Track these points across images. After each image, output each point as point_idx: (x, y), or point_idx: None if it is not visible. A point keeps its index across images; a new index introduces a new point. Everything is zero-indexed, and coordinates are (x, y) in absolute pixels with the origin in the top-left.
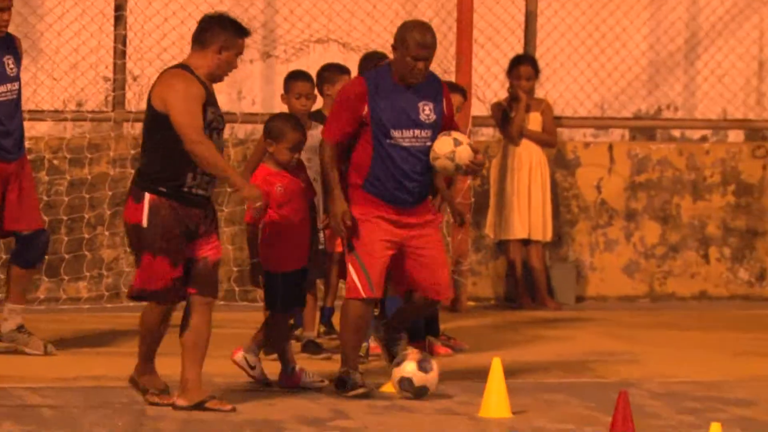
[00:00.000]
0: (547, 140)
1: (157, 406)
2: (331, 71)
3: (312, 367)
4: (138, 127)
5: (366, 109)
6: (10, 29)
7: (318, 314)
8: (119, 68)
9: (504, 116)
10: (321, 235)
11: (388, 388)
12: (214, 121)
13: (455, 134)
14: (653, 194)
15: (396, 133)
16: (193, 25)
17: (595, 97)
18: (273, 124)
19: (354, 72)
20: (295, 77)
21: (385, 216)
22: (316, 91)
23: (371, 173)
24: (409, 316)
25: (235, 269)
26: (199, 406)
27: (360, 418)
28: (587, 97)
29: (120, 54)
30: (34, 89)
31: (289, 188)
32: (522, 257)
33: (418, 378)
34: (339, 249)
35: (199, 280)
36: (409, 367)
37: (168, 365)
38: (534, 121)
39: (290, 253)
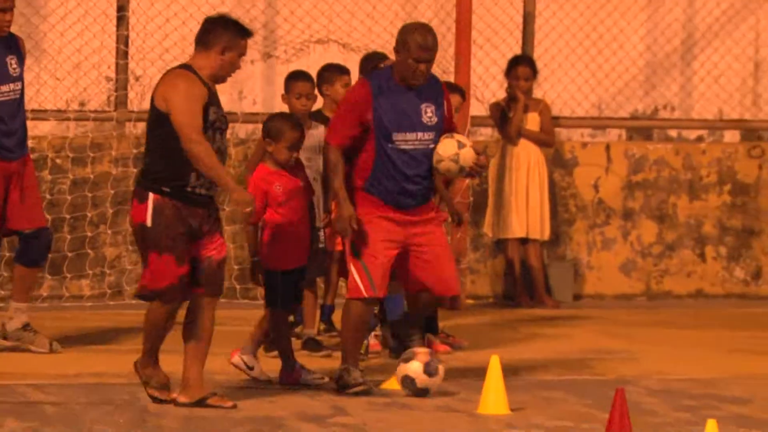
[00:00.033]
0: (545, 140)
1: (157, 402)
2: (330, 71)
3: (312, 364)
4: (140, 127)
5: (370, 113)
6: (14, 30)
7: (318, 312)
8: (121, 68)
9: (502, 116)
10: (321, 233)
11: (389, 384)
12: (217, 121)
13: (458, 137)
14: (650, 194)
15: (399, 136)
16: (194, 26)
17: (592, 98)
18: (271, 124)
19: (354, 72)
20: (296, 77)
21: (387, 216)
22: (316, 92)
23: (373, 176)
24: (420, 313)
25: (236, 267)
26: (201, 403)
27: (359, 415)
28: (585, 97)
29: (122, 54)
30: (37, 89)
31: (288, 187)
32: (520, 256)
33: (421, 380)
34: (339, 248)
35: (205, 280)
36: (414, 367)
37: (170, 362)
38: (532, 121)
39: (290, 252)
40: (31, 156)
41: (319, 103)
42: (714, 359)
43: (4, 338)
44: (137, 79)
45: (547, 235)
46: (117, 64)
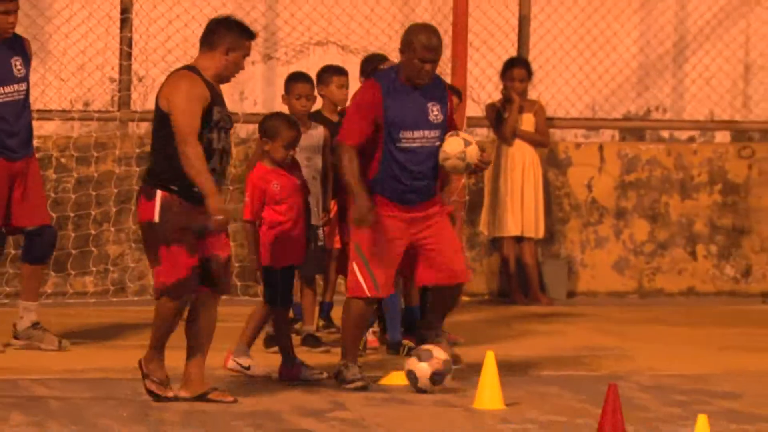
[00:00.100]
0: (539, 140)
1: (154, 397)
2: (326, 73)
3: (311, 360)
4: (143, 127)
5: (381, 112)
6: (19, 31)
7: (317, 309)
8: (125, 69)
9: (498, 117)
10: (320, 231)
11: (387, 380)
12: (221, 120)
13: (463, 134)
14: (642, 193)
15: (407, 134)
16: (196, 29)
17: (586, 99)
18: (268, 124)
19: (354, 73)
20: (296, 79)
21: (393, 215)
22: (316, 93)
23: (380, 175)
24: (440, 309)
25: (236, 265)
26: (202, 398)
27: (358, 409)
28: (579, 98)
29: (126, 56)
30: (42, 89)
31: (285, 186)
32: (515, 254)
33: (423, 383)
34: (337, 245)
35: (211, 278)
36: (423, 368)
37: (172, 358)
38: (527, 122)
39: (289, 249)
40: (36, 155)
41: (318, 104)
42: (705, 356)
43: (16, 338)
44: (140, 79)
45: (541, 233)
46: (120, 65)
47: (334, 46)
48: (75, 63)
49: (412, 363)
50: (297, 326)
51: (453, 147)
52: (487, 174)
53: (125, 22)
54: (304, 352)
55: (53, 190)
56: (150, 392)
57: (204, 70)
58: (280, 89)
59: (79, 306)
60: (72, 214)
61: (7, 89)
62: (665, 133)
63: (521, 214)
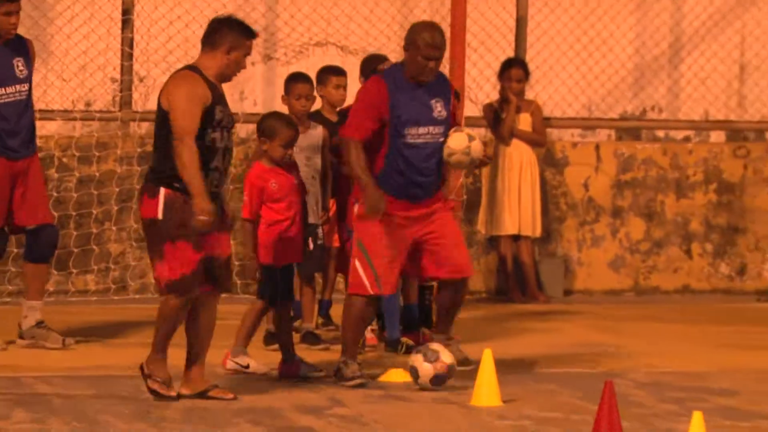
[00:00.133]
0: (536, 140)
1: (157, 396)
2: (323, 73)
3: (310, 357)
4: (144, 127)
5: (387, 108)
6: (22, 32)
7: (316, 307)
8: (126, 70)
9: (495, 117)
10: (319, 230)
11: (385, 377)
12: (223, 119)
13: (467, 130)
14: (638, 192)
15: (412, 130)
16: (197, 29)
17: (582, 99)
18: (265, 123)
19: (354, 74)
20: (295, 79)
21: (397, 213)
22: (315, 93)
23: (385, 171)
24: (450, 310)
25: (236, 263)
26: (203, 395)
27: (356, 406)
28: (575, 98)
29: (127, 56)
30: (44, 90)
31: (283, 185)
32: (512, 252)
33: (423, 382)
34: (336, 244)
35: (213, 277)
36: (426, 368)
37: (172, 356)
38: (524, 122)
39: (287, 248)
40: (39, 155)
41: (318, 104)
42: (700, 353)
43: (21, 337)
44: (141, 80)
45: (538, 232)
46: (122, 65)
47: (334, 47)
48: (77, 63)
49: (418, 360)
50: (296, 324)
51: (457, 143)
52: (485, 173)
53: (126, 23)
54: (304, 350)
55: (55, 190)
56: (153, 392)
57: (206, 69)
58: (280, 89)
59: (81, 304)
60: (74, 213)
61: (9, 89)
62: (661, 133)
63: (518, 213)
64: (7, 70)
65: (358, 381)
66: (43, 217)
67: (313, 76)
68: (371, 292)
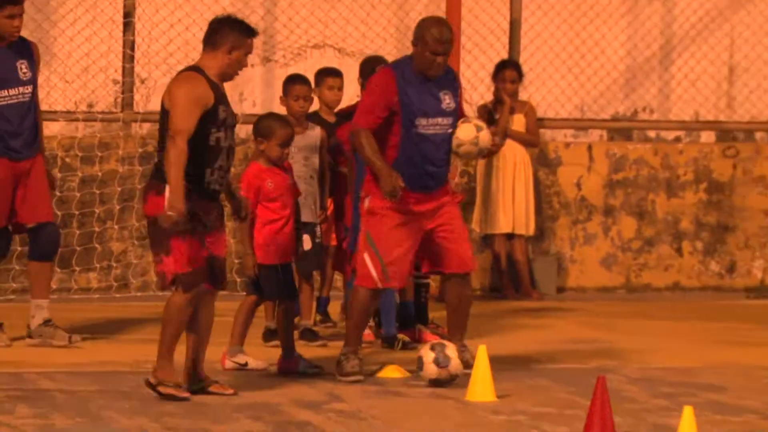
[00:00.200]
0: (530, 140)
1: (173, 400)
2: (319, 75)
3: (309, 353)
4: (145, 127)
5: (396, 97)
6: (25, 35)
7: (314, 304)
8: (128, 71)
9: (489, 118)
10: (318, 229)
11: (382, 373)
12: (227, 118)
13: (475, 121)
14: (630, 191)
15: (423, 121)
16: (197, 32)
17: (575, 100)
18: (262, 124)
19: (353, 75)
20: (294, 80)
21: (406, 208)
22: (313, 94)
23: (398, 161)
24: (459, 308)
25: (236, 261)
26: (203, 391)
27: (354, 401)
28: (568, 99)
29: (128, 58)
30: (47, 91)
31: (279, 184)
32: (506, 250)
33: (424, 377)
34: (334, 243)
35: (214, 276)
36: (431, 368)
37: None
38: (518, 123)
39: (284, 246)
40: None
41: (316, 105)
42: (691, 349)
43: (30, 336)
44: (143, 81)
45: (532, 230)
46: (123, 67)
47: (331, 49)
48: (79, 65)
49: (428, 357)
50: (295, 321)
51: (466, 133)
52: (479, 173)
53: (128, 25)
54: (302, 346)
55: (58, 189)
56: (168, 396)
57: (208, 69)
58: (279, 91)
59: (84, 301)
60: (77, 212)
61: (12, 92)
62: (652, 133)
63: (512, 211)
64: (11, 72)
65: (354, 378)
66: (43, 216)
67: (311, 77)
68: (379, 286)
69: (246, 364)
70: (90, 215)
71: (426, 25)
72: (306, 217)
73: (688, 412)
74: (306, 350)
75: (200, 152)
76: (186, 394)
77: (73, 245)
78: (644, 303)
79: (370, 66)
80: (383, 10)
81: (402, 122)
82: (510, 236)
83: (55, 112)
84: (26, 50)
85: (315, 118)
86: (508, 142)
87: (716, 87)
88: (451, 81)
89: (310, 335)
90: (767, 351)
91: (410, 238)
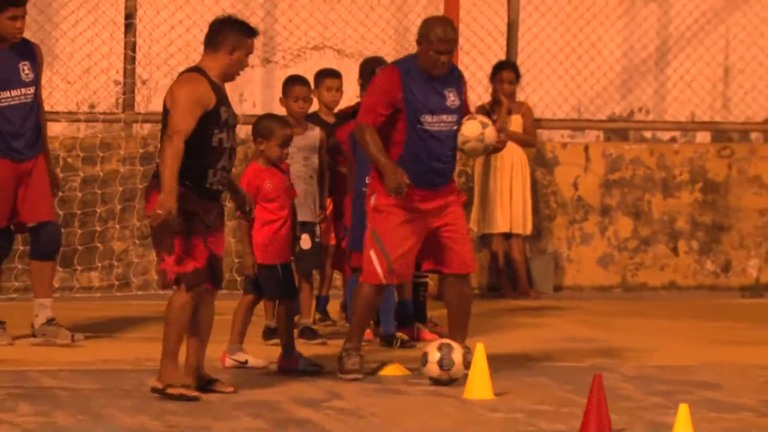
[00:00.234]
0: (527, 141)
1: (185, 400)
2: (317, 76)
3: (308, 352)
4: (146, 128)
5: (400, 94)
6: (27, 36)
7: (314, 302)
8: (129, 73)
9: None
10: (317, 228)
11: (381, 372)
12: (229, 119)
13: (480, 117)
14: (626, 191)
15: (428, 118)
16: (197, 33)
17: (572, 101)
18: (262, 124)
19: (353, 76)
20: (293, 81)
21: (412, 206)
22: (312, 95)
23: (403, 158)
24: (460, 308)
25: (236, 260)
26: (203, 389)
27: (353, 399)
28: (565, 100)
29: (130, 59)
30: (49, 92)
31: (277, 185)
32: (504, 250)
33: (425, 373)
34: (333, 242)
35: (214, 275)
36: (433, 368)
37: None
38: (515, 123)
39: (283, 246)
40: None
41: (315, 106)
42: (686, 348)
43: (34, 336)
44: (144, 82)
45: (529, 230)
46: (125, 68)
47: (330, 51)
48: (81, 66)
49: (432, 357)
50: (295, 319)
51: (471, 130)
52: (477, 173)
53: (129, 27)
54: (302, 344)
55: (60, 189)
56: (180, 396)
57: (210, 70)
58: (278, 92)
59: (85, 300)
60: (78, 212)
61: (14, 92)
62: (648, 134)
63: (510, 211)
64: (13, 73)
65: (354, 376)
66: (44, 215)
67: (310, 78)
68: (384, 282)
69: (246, 362)
70: (92, 215)
71: (430, 24)
72: (305, 216)
73: (683, 409)
74: (305, 348)
75: (203, 153)
76: (196, 394)
77: (75, 244)
78: (640, 302)
79: (369, 67)
80: (382, 12)
81: (407, 119)
82: (507, 236)
83: (57, 112)
84: (29, 52)
85: (314, 118)
86: None
87: (712, 88)
88: (456, 79)
89: (309, 333)
90: (762, 349)
91: (415, 235)
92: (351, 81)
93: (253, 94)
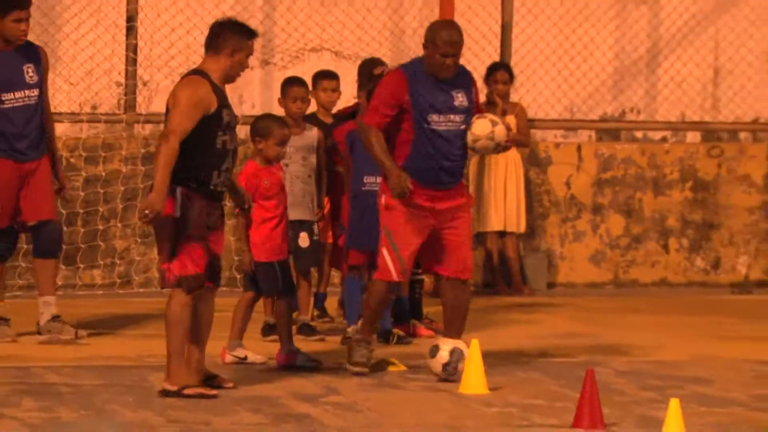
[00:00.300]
0: (521, 141)
1: (203, 398)
2: (315, 78)
3: (306, 348)
4: (148, 129)
5: (407, 96)
6: (31, 38)
7: (312, 299)
8: (130, 74)
9: None
10: (315, 227)
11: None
12: (231, 121)
13: (489, 116)
14: (618, 190)
15: (435, 117)
16: (198, 35)
17: (564, 101)
18: (260, 124)
19: (352, 77)
20: (292, 83)
21: (421, 204)
22: (310, 96)
23: (411, 157)
24: (457, 309)
25: (236, 258)
26: (204, 384)
27: (351, 394)
28: (558, 101)
29: (131, 61)
30: (52, 93)
31: (274, 183)
32: (498, 247)
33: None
34: (330, 240)
35: (214, 273)
36: (436, 367)
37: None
38: (509, 123)
39: (280, 243)
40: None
41: (313, 107)
42: (677, 343)
43: (39, 333)
44: (145, 84)
45: (523, 228)
46: (126, 70)
47: (328, 52)
48: (83, 68)
49: (441, 356)
50: (293, 316)
51: (482, 128)
52: (472, 172)
53: (131, 29)
54: (300, 341)
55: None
56: (198, 395)
57: (212, 72)
58: (277, 93)
59: (88, 298)
60: (81, 211)
61: (18, 94)
62: (639, 134)
63: (504, 210)
64: (17, 75)
65: (359, 369)
66: (45, 214)
67: (308, 80)
68: (396, 279)
69: (245, 358)
70: (94, 214)
71: (436, 27)
72: (304, 215)
73: (674, 404)
74: (304, 345)
75: (208, 155)
76: (215, 392)
77: (78, 243)
78: (632, 298)
79: (368, 68)
80: (378, 15)
81: (414, 119)
82: (502, 234)
83: (60, 113)
84: (33, 54)
85: (312, 119)
86: None
87: (701, 89)
88: (465, 80)
89: (307, 330)
90: (752, 345)
91: (421, 234)
92: (349, 82)
93: (252, 95)
